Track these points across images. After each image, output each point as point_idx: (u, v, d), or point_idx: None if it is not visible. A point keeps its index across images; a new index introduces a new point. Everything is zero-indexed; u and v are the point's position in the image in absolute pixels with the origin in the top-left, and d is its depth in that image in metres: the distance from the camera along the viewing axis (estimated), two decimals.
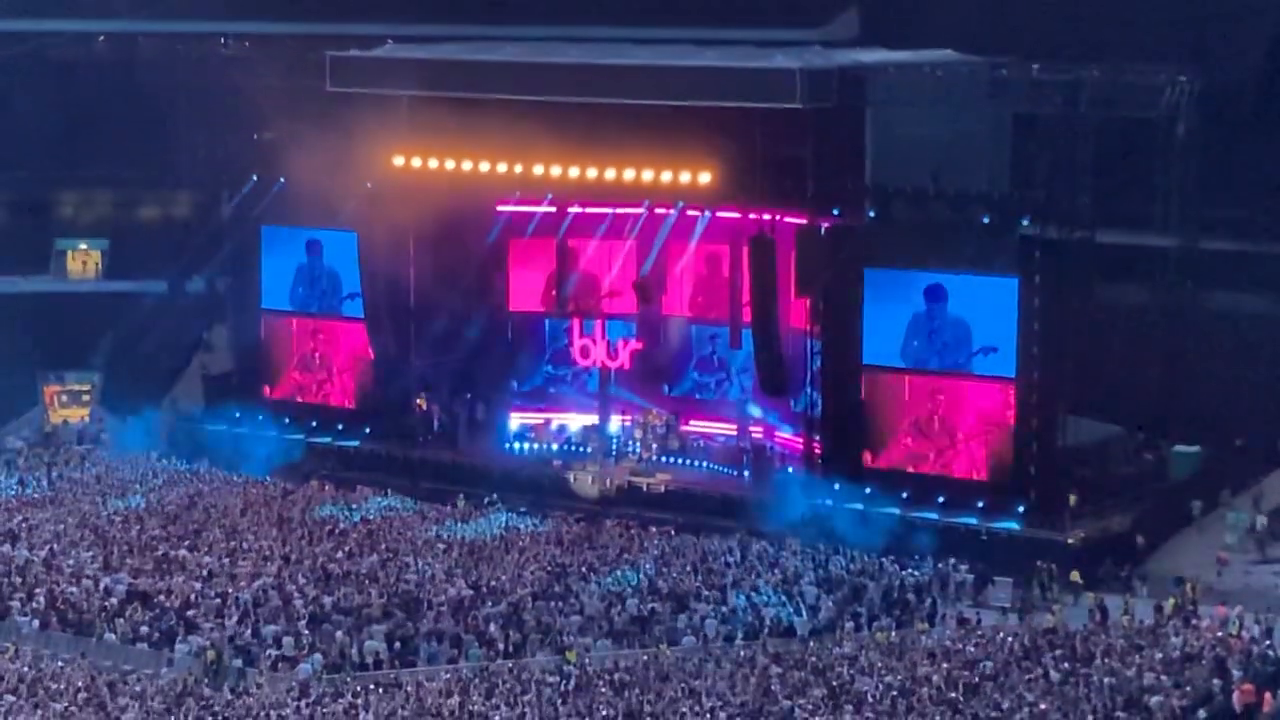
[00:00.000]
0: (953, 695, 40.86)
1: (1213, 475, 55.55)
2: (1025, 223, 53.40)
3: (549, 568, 50.29)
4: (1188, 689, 41.46)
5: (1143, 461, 56.91)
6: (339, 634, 45.25)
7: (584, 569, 50.24)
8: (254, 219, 63.62)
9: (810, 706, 40.35)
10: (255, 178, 63.16)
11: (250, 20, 68.71)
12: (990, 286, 53.65)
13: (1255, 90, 61.43)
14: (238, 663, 43.88)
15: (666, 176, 57.38)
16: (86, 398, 66.92)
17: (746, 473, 58.48)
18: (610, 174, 58.04)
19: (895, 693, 40.96)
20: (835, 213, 55.82)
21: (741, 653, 44.49)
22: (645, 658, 44.21)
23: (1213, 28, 60.60)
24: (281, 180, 62.42)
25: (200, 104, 63.80)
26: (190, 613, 46.36)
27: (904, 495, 54.30)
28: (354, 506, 55.95)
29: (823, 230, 56.02)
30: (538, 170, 58.88)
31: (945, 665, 42.83)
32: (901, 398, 55.18)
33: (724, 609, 47.57)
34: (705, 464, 59.68)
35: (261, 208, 63.28)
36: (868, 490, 54.72)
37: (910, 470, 54.98)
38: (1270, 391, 57.15)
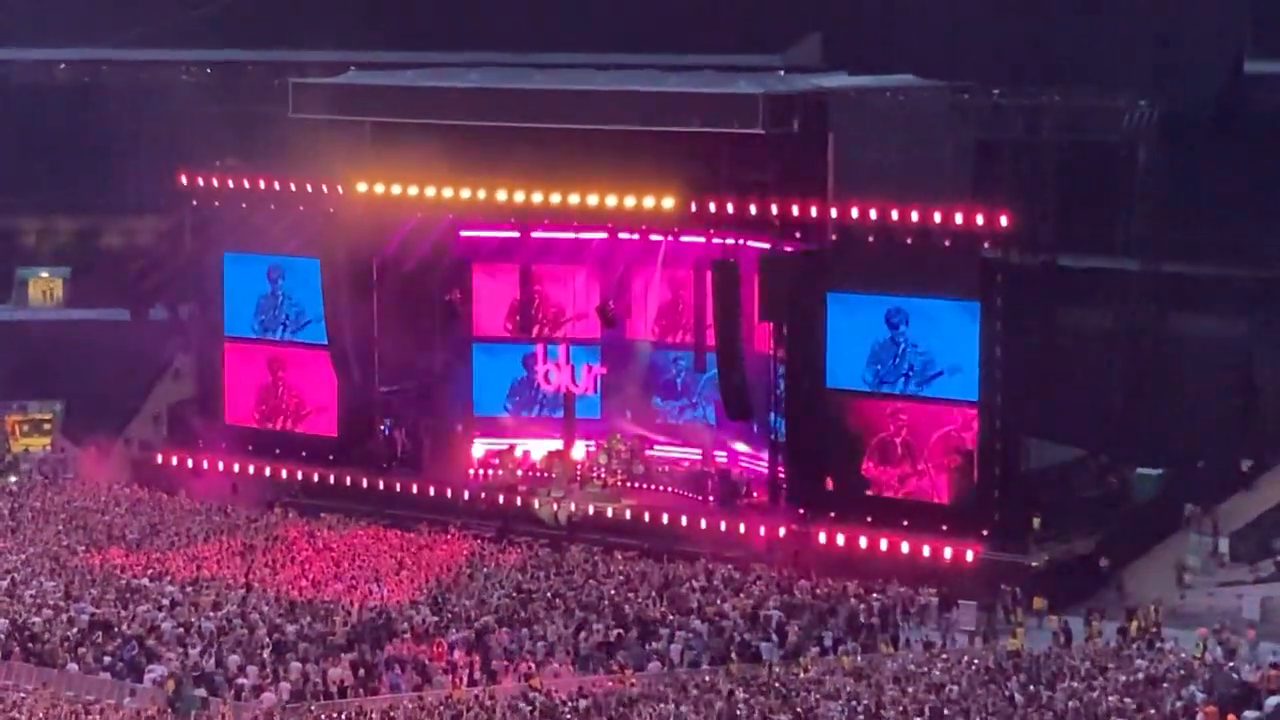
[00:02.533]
0: (918, 719, 40.88)
1: (1175, 497, 55.75)
2: (987, 247, 53.53)
3: (514, 594, 50.18)
4: (1151, 711, 41.55)
5: (1106, 484, 57.04)
6: (303, 662, 45.05)
7: (549, 595, 50.14)
8: (216, 246, 63.48)
9: None
10: (217, 205, 63.03)
11: (212, 48, 68.73)
12: (953, 310, 53.77)
13: (1215, 114, 61.84)
14: (201, 692, 43.64)
15: (630, 201, 57.41)
16: (48, 426, 66.61)
17: (711, 498, 58.47)
18: (574, 199, 58.07)
19: (861, 717, 40.96)
20: (798, 237, 55.93)
21: (707, 678, 44.43)
22: (610, 684, 44.12)
23: (1172, 53, 61.00)
24: (244, 206, 62.34)
25: (162, 131, 63.73)
26: (153, 642, 46.11)
27: (868, 519, 54.35)
28: None
29: (786, 254, 56.12)
30: (501, 195, 58.87)
31: (910, 689, 42.85)
32: (865, 422, 55.22)
33: (689, 634, 47.50)
34: (670, 489, 59.63)
35: (224, 235, 63.16)
36: (832, 514, 54.78)
37: (874, 494, 55.03)
38: (1231, 414, 57.43)
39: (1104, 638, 47.89)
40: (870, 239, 54.80)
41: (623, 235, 59.37)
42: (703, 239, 58.30)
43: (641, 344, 61.88)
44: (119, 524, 56.54)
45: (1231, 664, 44.97)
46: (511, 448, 62.23)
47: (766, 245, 56.67)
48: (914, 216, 54.24)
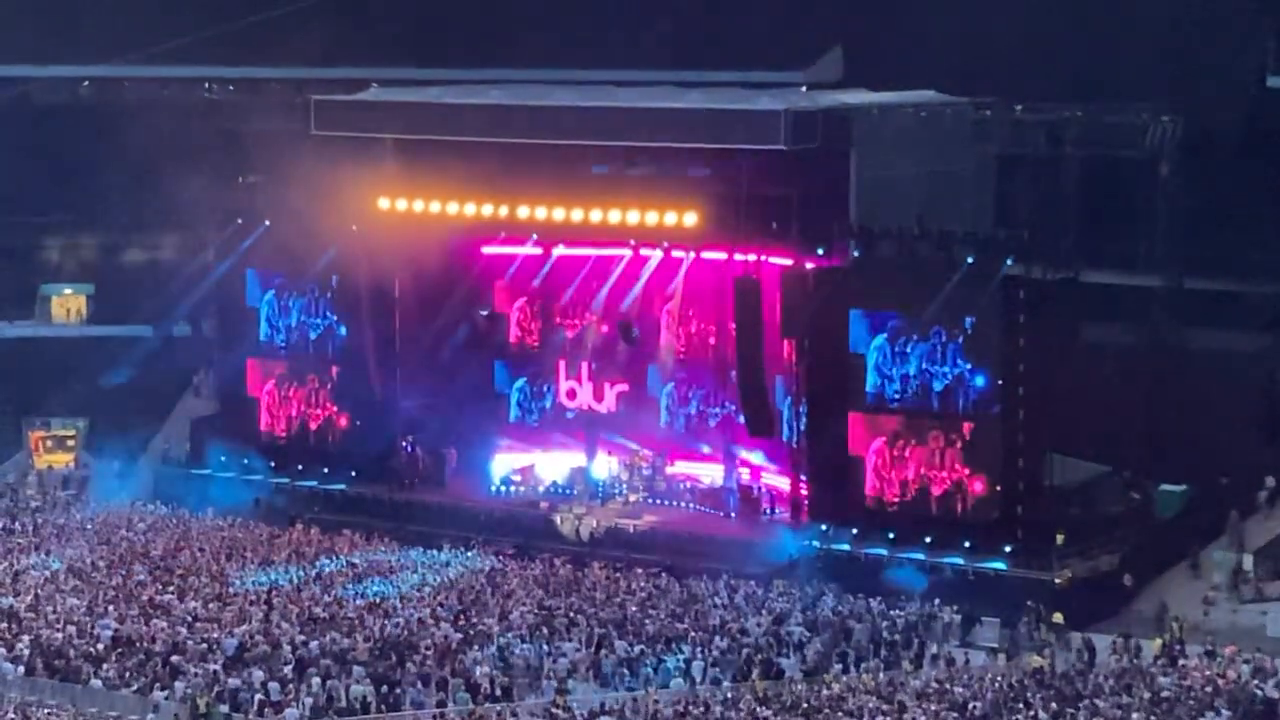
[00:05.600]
0: None
1: (1198, 514, 55.57)
2: (1009, 263, 53.46)
3: (535, 610, 50.16)
4: None
5: (1129, 501, 56.92)
6: (325, 679, 45.07)
7: (571, 612, 50.12)
8: (239, 262, 63.62)
9: None
10: (240, 221, 63.19)
11: (236, 65, 68.88)
12: (975, 326, 53.70)
13: (1238, 129, 61.68)
14: (223, 709, 43.70)
15: (652, 218, 57.49)
16: (71, 443, 66.77)
17: (733, 514, 58.43)
18: (595, 215, 58.15)
19: None
20: (820, 253, 55.89)
21: (729, 695, 44.38)
22: (633, 700, 44.08)
23: (1195, 68, 60.89)
24: (266, 223, 62.48)
25: (185, 148, 63.86)
26: (176, 658, 46.17)
27: (890, 535, 54.28)
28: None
29: (808, 271, 56.11)
30: (522, 212, 58.99)
31: (933, 706, 42.77)
32: (888, 437, 55.16)
33: (711, 651, 47.46)
34: (692, 505, 59.61)
35: (246, 251, 63.30)
36: (854, 531, 54.71)
37: (897, 510, 54.95)
38: (1255, 430, 57.24)
39: (1123, 654, 47.74)
40: (892, 255, 54.77)
41: (644, 252, 59.41)
42: (724, 255, 58.31)
43: (663, 361, 61.85)
44: (142, 540, 56.62)
45: (1256, 681, 44.81)
46: (533, 464, 62.23)
47: (788, 261, 56.67)
48: (936, 232, 54.23)
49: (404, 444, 62.07)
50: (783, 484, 58.35)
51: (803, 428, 56.59)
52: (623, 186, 57.43)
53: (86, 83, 70.01)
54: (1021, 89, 56.65)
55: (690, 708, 43.17)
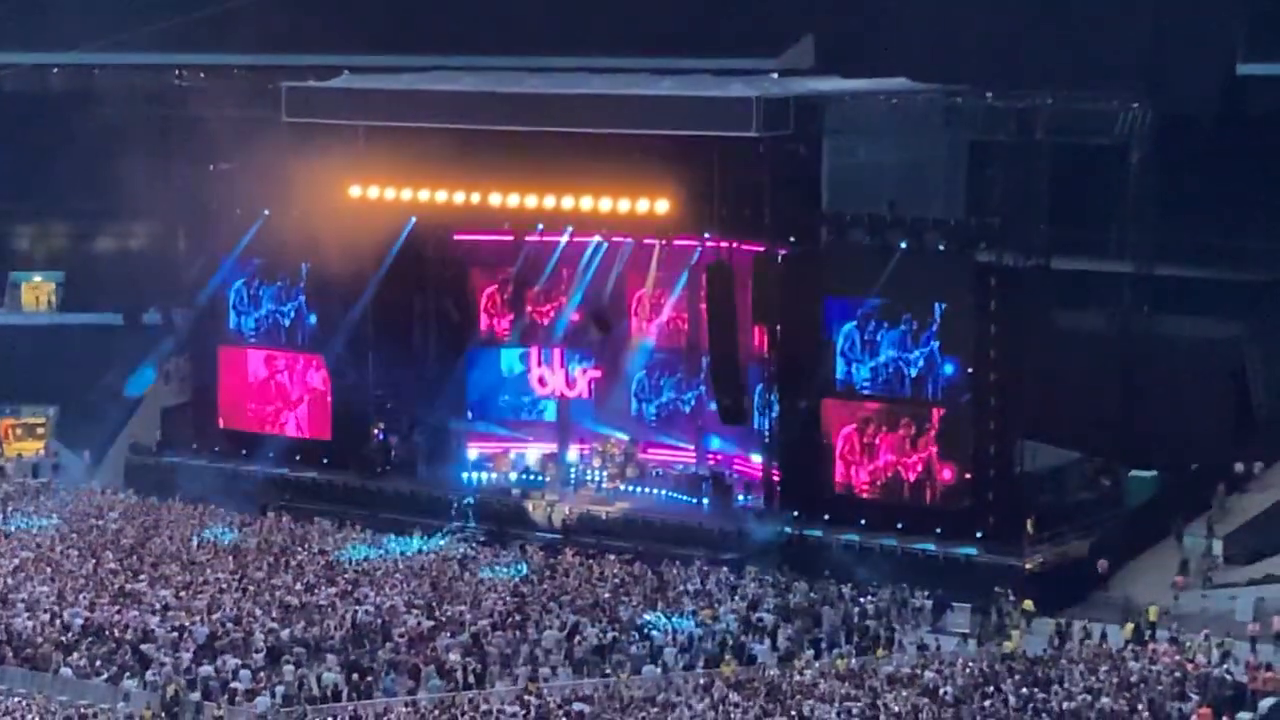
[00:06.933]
0: None
1: (1169, 500, 55.74)
2: (981, 249, 53.53)
3: (508, 598, 50.15)
4: (1146, 714, 41.61)
5: (1100, 486, 57.09)
6: (297, 667, 45.02)
7: (543, 598, 50.12)
8: (211, 250, 63.43)
9: None
10: (212, 209, 62.96)
11: (206, 52, 68.65)
12: (946, 313, 53.80)
13: (1209, 116, 61.87)
14: (194, 696, 43.63)
15: (624, 205, 57.47)
16: (41, 431, 66.57)
17: (705, 500, 58.48)
18: (568, 203, 58.14)
19: None
20: (792, 241, 55.94)
21: (701, 681, 44.44)
22: (606, 687, 44.11)
23: (1166, 55, 61.04)
24: (238, 212, 62.33)
25: (156, 136, 63.64)
26: (147, 647, 46.07)
27: (862, 521, 54.38)
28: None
29: (780, 258, 56.15)
30: (495, 200, 58.92)
31: (905, 692, 42.91)
32: (859, 424, 55.27)
33: (684, 637, 47.50)
34: (664, 492, 59.64)
35: (218, 239, 63.11)
36: (826, 517, 54.80)
37: (868, 496, 55.06)
38: (1225, 416, 57.44)
39: (1094, 639, 47.92)
40: (864, 242, 54.83)
41: (617, 239, 59.39)
42: (697, 242, 58.32)
43: (635, 348, 61.85)
44: (112, 528, 56.46)
45: (1225, 665, 45.02)
46: (505, 451, 62.22)
47: (760, 248, 56.70)
48: (907, 219, 54.30)
49: (375, 431, 62.00)
50: (755, 470, 58.41)
51: (774, 414, 56.65)
52: (595, 174, 57.37)
53: (56, 70, 69.72)
54: (993, 76, 56.69)
55: (662, 693, 43.23)
